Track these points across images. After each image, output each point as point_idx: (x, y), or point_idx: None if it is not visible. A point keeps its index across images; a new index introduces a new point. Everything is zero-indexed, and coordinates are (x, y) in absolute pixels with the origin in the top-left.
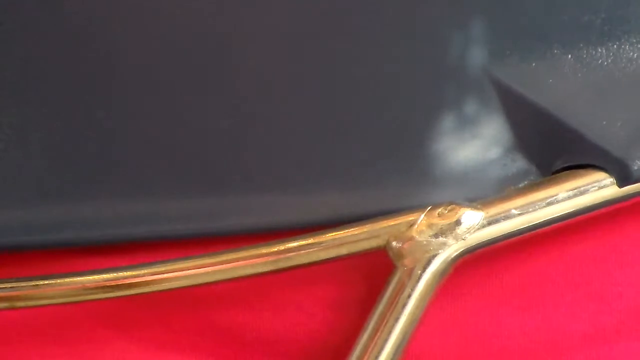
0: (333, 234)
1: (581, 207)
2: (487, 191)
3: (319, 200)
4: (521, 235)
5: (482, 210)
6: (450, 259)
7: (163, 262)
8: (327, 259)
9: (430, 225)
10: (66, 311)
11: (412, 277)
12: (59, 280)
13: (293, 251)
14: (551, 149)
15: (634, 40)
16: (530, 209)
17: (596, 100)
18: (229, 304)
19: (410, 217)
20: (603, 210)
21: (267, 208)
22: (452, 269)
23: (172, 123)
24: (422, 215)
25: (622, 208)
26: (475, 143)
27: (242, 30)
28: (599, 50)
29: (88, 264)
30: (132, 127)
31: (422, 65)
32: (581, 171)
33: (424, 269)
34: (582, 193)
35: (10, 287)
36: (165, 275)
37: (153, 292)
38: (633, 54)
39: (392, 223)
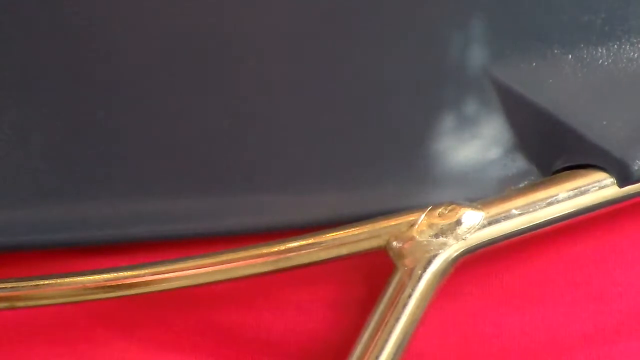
0: (333, 234)
1: (581, 207)
2: (488, 191)
3: (319, 200)
4: (521, 236)
5: (483, 210)
6: (450, 259)
7: (163, 262)
8: (328, 259)
9: (430, 225)
10: (66, 311)
11: (413, 277)
12: (59, 280)
13: (293, 251)
14: (551, 149)
15: (634, 40)
16: (531, 209)
17: (596, 100)
18: (229, 304)
19: (410, 217)
20: (603, 210)
21: (267, 208)
22: (453, 269)
23: (172, 123)
24: (423, 215)
25: (622, 208)
26: (476, 143)
27: (242, 30)
28: (599, 50)
29: (88, 264)
30: (132, 127)
31: (422, 65)
32: (581, 171)
33: (424, 269)
34: (582, 193)
35: (10, 287)
36: (165, 275)
37: (153, 292)
38: (633, 54)
39: (393, 223)
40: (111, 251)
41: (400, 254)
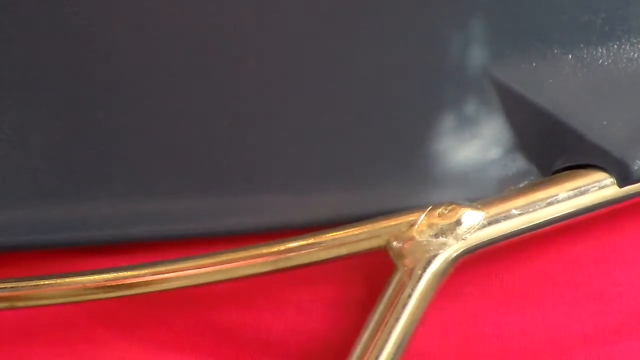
0: (333, 234)
1: (581, 207)
2: (488, 191)
3: (319, 200)
4: (521, 235)
5: (483, 210)
6: (450, 259)
7: (163, 262)
8: (327, 259)
9: (430, 225)
10: (66, 311)
11: (413, 277)
12: (59, 280)
13: (293, 251)
14: (551, 149)
15: (634, 40)
16: (531, 209)
17: (596, 100)
18: (229, 304)
19: (410, 217)
20: (603, 210)
21: (267, 208)
22: (453, 269)
23: (172, 123)
24: (423, 215)
25: (622, 208)
26: (476, 143)
27: (242, 30)
28: (599, 50)
29: (88, 264)
30: (132, 127)
31: (422, 65)
32: (581, 171)
33: (424, 269)
34: (582, 193)
35: (10, 287)
36: (165, 275)
37: (153, 292)
38: (633, 54)
39: (393, 223)
40: (111, 251)
41: (400, 254)
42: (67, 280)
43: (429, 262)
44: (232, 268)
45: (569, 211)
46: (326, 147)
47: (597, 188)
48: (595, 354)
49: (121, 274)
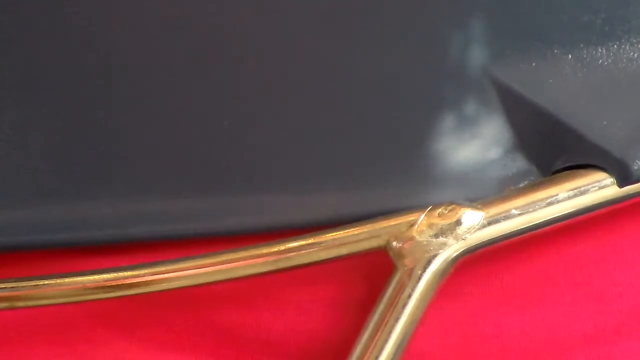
0: (333, 234)
1: (581, 207)
2: (488, 191)
3: (319, 200)
4: (521, 236)
5: (483, 210)
6: (450, 259)
7: (163, 262)
8: (327, 259)
9: (430, 225)
10: (66, 311)
11: (413, 277)
12: (59, 280)
13: (293, 251)
14: (551, 149)
15: (634, 40)
16: (531, 209)
17: (596, 100)
18: (229, 304)
19: (410, 217)
20: (603, 210)
21: (267, 208)
22: (453, 269)
23: (172, 123)
24: (423, 215)
25: (622, 208)
26: (475, 143)
27: (242, 30)
28: (599, 50)
29: (88, 264)
30: (132, 127)
31: (422, 65)
32: (581, 171)
33: (424, 269)
34: (582, 193)
35: (10, 287)
36: (165, 275)
37: (153, 292)
38: (633, 54)
39: (393, 223)
40: (111, 251)
41: (400, 254)
42: (67, 280)
43: (429, 262)
44: (232, 268)
45: (569, 211)
46: (326, 147)
47: (597, 188)
48: (595, 354)
49: (121, 274)
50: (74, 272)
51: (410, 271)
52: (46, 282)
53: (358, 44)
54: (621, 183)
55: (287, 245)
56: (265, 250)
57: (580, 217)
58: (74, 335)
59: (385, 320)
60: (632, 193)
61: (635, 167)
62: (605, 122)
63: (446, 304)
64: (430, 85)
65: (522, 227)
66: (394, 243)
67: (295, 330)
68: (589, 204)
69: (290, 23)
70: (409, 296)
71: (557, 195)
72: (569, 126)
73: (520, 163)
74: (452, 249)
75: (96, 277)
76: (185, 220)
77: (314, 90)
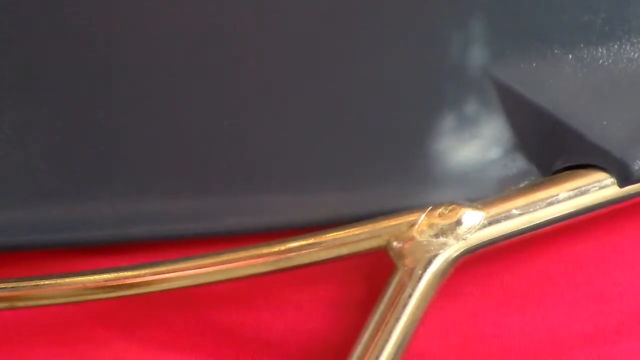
0: (333, 234)
1: (582, 207)
2: (488, 191)
3: (319, 200)
4: (522, 236)
5: (483, 210)
6: (451, 259)
7: (163, 262)
8: (328, 259)
9: (431, 225)
10: (66, 311)
11: (413, 277)
12: (59, 280)
13: (293, 251)
14: (551, 149)
15: (635, 40)
16: (531, 209)
17: (596, 100)
18: (229, 304)
19: (410, 217)
20: (603, 210)
21: (267, 208)
22: (453, 269)
23: (172, 123)
24: (423, 215)
25: (623, 208)
26: (476, 143)
27: (242, 30)
28: (600, 50)
29: (88, 264)
30: (132, 127)
31: (422, 65)
32: (582, 171)
33: (424, 269)
34: (582, 193)
35: (11, 287)
36: (165, 275)
37: (153, 292)
38: (633, 54)
39: (393, 223)
40: (111, 251)
41: (401, 254)
42: (67, 280)
43: (429, 262)
44: (232, 268)
45: (569, 211)
46: (326, 147)
47: (598, 188)
48: (595, 354)
49: (121, 274)
50: (74, 272)
51: (411, 271)
52: (46, 282)
53: (358, 44)
54: (621, 183)
55: (287, 245)
56: (265, 250)
57: (581, 217)
58: (74, 335)
59: (386, 320)
60: (633, 193)
61: (636, 167)
62: (605, 122)
63: (446, 304)
64: (430, 85)
65: (522, 227)
66: (395, 243)
67: (295, 330)
68: (589, 204)
69: (290, 23)
70: (410, 296)
71: (557, 195)
72: (569, 126)
73: (520, 163)
74: (452, 249)
75: (96, 277)
76: (185, 220)
77: (314, 90)
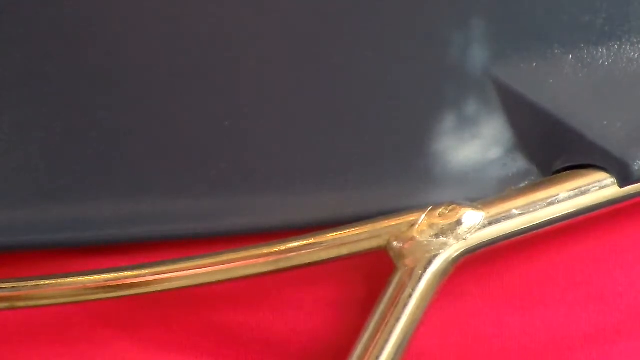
0: (334, 234)
1: (582, 207)
2: (488, 191)
3: (319, 200)
4: (522, 236)
5: (483, 210)
6: (451, 259)
7: (163, 262)
8: (328, 259)
9: (431, 225)
10: (66, 311)
11: (413, 277)
12: (59, 280)
13: (293, 251)
14: (551, 149)
15: (635, 40)
16: (531, 209)
17: (596, 100)
18: (229, 304)
19: (411, 217)
20: (603, 210)
21: (267, 208)
22: (453, 269)
23: (172, 123)
24: (423, 215)
25: (623, 208)
26: (476, 143)
27: (242, 30)
28: (600, 50)
29: (88, 264)
30: (132, 127)
31: (422, 65)
32: (582, 171)
33: (424, 269)
34: (582, 193)
35: (11, 287)
36: (165, 275)
37: (153, 292)
38: (634, 54)
39: (393, 223)
40: (111, 251)
41: (401, 254)
42: (67, 280)
43: (429, 262)
44: (232, 268)
45: (569, 211)
46: (326, 147)
47: (598, 188)
48: (595, 354)
49: (121, 274)
50: (74, 272)
51: (411, 271)
52: (46, 282)
53: (358, 44)
54: (621, 183)
55: (287, 245)
56: (265, 250)
57: (581, 217)
58: (74, 335)
59: (386, 320)
60: (633, 193)
61: (636, 167)
62: (605, 122)
63: (447, 304)
64: (430, 85)
65: (522, 227)
66: (395, 243)
67: (295, 330)
68: (589, 204)
69: (290, 23)
70: (410, 296)
71: (557, 195)
72: (569, 126)
73: (520, 163)
74: (452, 249)
75: (96, 277)
76: (185, 220)
77: (314, 90)
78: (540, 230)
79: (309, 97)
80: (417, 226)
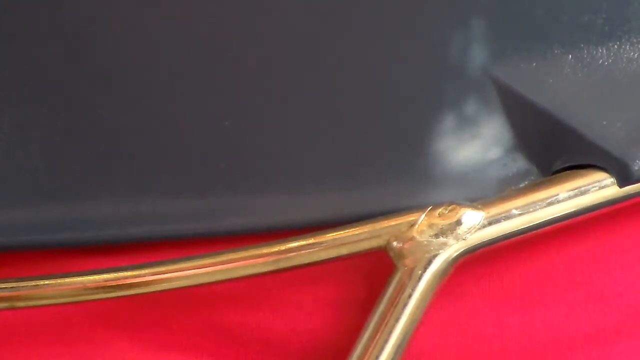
0: (333, 234)
1: (582, 207)
2: (488, 191)
3: (319, 200)
4: (522, 236)
5: (483, 210)
6: (450, 259)
7: (163, 262)
8: (328, 259)
9: (430, 225)
10: (66, 311)
11: (413, 277)
12: (59, 280)
13: (293, 251)
14: (551, 149)
15: (635, 40)
16: (531, 209)
17: (596, 100)
18: (229, 304)
19: (410, 217)
20: (603, 210)
21: (267, 208)
22: (453, 269)
23: (172, 123)
24: (423, 215)
25: (623, 208)
26: (476, 143)
27: (242, 30)
28: (600, 50)
29: (88, 264)
30: (132, 127)
31: (422, 65)
32: (582, 171)
33: (424, 269)
34: (582, 193)
35: (10, 287)
36: (165, 275)
37: (153, 292)
38: (633, 54)
39: (393, 223)
40: (111, 251)
41: (401, 254)
42: (67, 280)
43: (429, 262)
44: (232, 268)
45: (569, 211)
46: (326, 147)
47: (597, 188)
48: (595, 354)
49: (121, 274)
50: (74, 272)
51: (411, 271)
52: (46, 282)
53: (358, 43)
54: (621, 183)
55: (287, 245)
56: (265, 250)
57: (581, 217)
58: (74, 335)
59: (386, 320)
60: (632, 193)
61: (636, 167)
62: (605, 122)
63: (446, 304)
64: (430, 85)
65: (522, 227)
66: (395, 243)
67: (295, 330)
68: (589, 204)
69: (290, 23)
70: (409, 296)
71: (557, 195)
72: (569, 126)
73: (520, 163)
74: (452, 249)
75: (96, 277)
76: (185, 220)
77: (314, 90)
78: (540, 230)
79: (309, 97)
80: (417, 226)
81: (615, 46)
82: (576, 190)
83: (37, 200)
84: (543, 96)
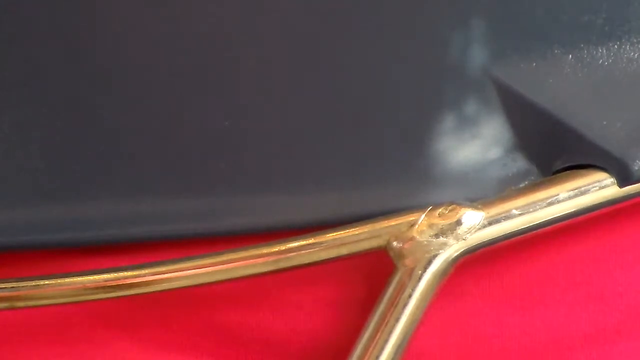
0: (333, 234)
1: (582, 207)
2: (488, 191)
3: (319, 200)
4: (522, 236)
5: (483, 210)
6: (451, 259)
7: (163, 262)
8: (328, 259)
9: (430, 225)
10: (66, 311)
11: (413, 277)
12: (59, 280)
13: (293, 251)
14: (551, 149)
15: (635, 40)
16: (531, 209)
17: (596, 100)
18: (229, 304)
19: (410, 217)
20: (603, 210)
21: (267, 208)
22: (453, 269)
23: (172, 123)
24: (423, 215)
25: (623, 208)
26: (476, 143)
27: (242, 30)
28: (600, 50)
29: (88, 264)
30: (132, 127)
31: (422, 65)
32: (582, 171)
33: (424, 269)
34: (582, 193)
35: (10, 287)
36: (165, 275)
37: (153, 292)
38: (633, 54)
39: (393, 223)
40: (111, 251)
41: (401, 254)
42: (67, 280)
43: (429, 262)
44: (232, 268)
45: (569, 211)
46: (326, 147)
47: (598, 188)
48: (595, 354)
49: (121, 274)
50: (74, 272)
51: (411, 271)
52: (46, 282)
53: (358, 43)
54: (621, 183)
55: (287, 245)
56: (265, 250)
57: (581, 217)
58: (74, 335)
59: (386, 320)
60: (633, 193)
61: (636, 167)
62: (605, 122)
63: (446, 304)
64: (430, 85)
65: (522, 227)
66: (395, 243)
67: (295, 330)
68: (589, 204)
69: (290, 23)
70: (410, 296)
71: (557, 195)
72: (569, 126)
73: (520, 163)
74: (452, 249)
75: (96, 277)
76: (185, 220)
77: (314, 91)
78: (540, 230)
79: (309, 97)
80: (417, 226)
81: (615, 46)
82: (576, 190)
83: (37, 200)
84: (543, 96)
